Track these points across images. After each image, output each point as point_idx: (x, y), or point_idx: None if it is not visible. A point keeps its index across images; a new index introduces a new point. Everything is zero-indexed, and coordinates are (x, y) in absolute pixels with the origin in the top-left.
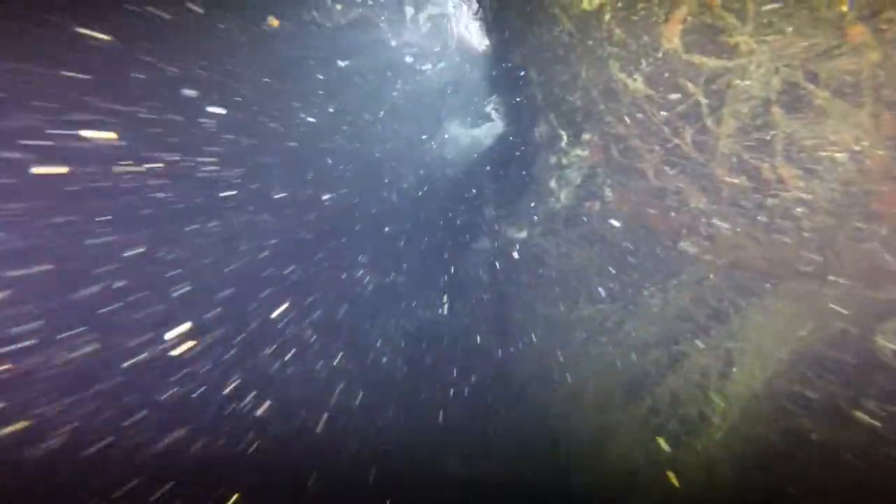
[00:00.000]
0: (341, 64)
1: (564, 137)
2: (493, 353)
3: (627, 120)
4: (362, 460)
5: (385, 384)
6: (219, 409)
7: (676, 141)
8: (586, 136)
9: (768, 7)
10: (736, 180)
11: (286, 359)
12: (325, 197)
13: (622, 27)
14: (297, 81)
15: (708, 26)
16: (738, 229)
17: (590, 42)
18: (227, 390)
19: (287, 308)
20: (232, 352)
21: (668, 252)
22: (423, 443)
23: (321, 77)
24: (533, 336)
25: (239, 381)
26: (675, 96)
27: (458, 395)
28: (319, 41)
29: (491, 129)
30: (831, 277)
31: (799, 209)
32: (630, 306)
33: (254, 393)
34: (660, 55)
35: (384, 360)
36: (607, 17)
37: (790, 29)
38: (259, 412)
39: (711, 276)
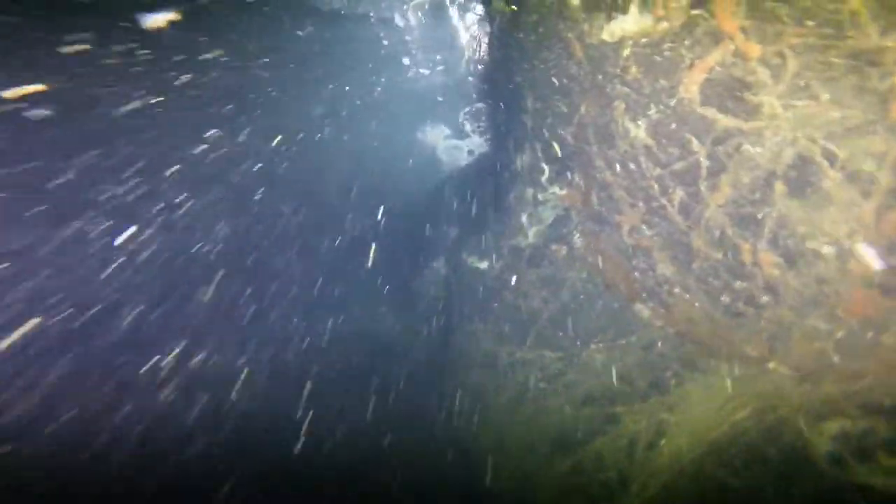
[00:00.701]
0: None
1: (546, 171)
2: (426, 378)
3: (618, 167)
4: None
5: (295, 397)
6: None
7: (663, 201)
8: (569, 176)
9: (813, 70)
10: (712, 256)
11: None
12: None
13: (640, 66)
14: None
15: (736, 80)
16: (698, 304)
17: (599, 76)
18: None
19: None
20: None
21: (623, 311)
22: (326, 472)
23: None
24: (471, 369)
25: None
26: (675, 151)
27: (384, 412)
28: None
29: (472, 146)
30: (772, 365)
31: (764, 298)
32: (575, 358)
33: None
34: (672, 103)
35: (309, 368)
36: (626, 51)
37: (827, 97)
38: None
39: (660, 343)
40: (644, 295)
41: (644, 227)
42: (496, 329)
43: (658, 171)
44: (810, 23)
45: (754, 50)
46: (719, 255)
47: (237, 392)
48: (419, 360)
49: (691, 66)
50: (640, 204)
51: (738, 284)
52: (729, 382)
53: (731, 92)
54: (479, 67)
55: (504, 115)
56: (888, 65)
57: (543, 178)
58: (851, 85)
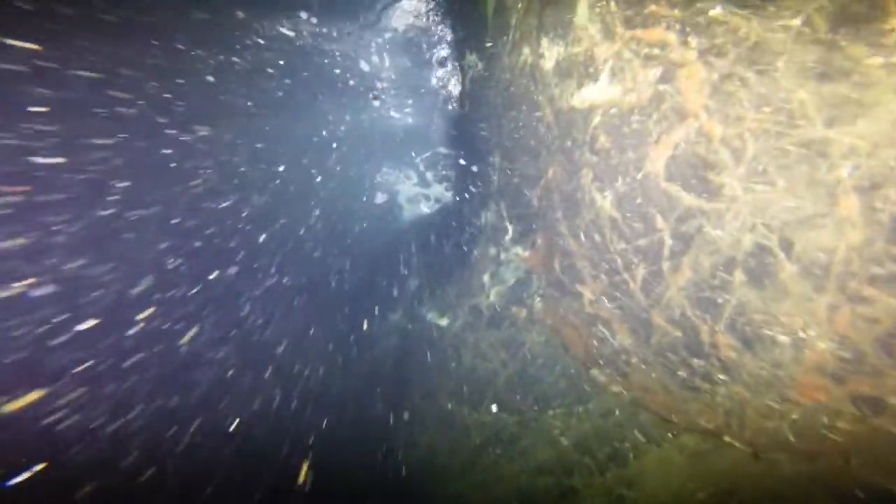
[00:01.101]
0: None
1: (510, 231)
2: (376, 434)
3: (582, 237)
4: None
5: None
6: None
7: (625, 276)
8: (532, 238)
9: (770, 155)
10: (671, 333)
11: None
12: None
13: (609, 136)
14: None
15: (699, 158)
16: (654, 375)
17: (568, 142)
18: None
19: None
20: None
21: (581, 377)
22: None
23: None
24: (425, 429)
25: None
26: (640, 226)
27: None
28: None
29: (437, 195)
30: (727, 439)
31: (721, 376)
32: (532, 423)
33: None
34: (639, 176)
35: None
36: (596, 120)
37: (782, 184)
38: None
39: (617, 411)
40: (601, 361)
41: (605, 299)
42: (454, 389)
43: (622, 245)
44: (767, 109)
45: (717, 130)
46: (678, 333)
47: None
48: (370, 413)
49: (657, 140)
50: (603, 276)
51: (695, 362)
52: (685, 458)
53: (694, 170)
54: (449, 118)
55: (471, 169)
56: (834, 157)
57: (507, 238)
58: (804, 174)
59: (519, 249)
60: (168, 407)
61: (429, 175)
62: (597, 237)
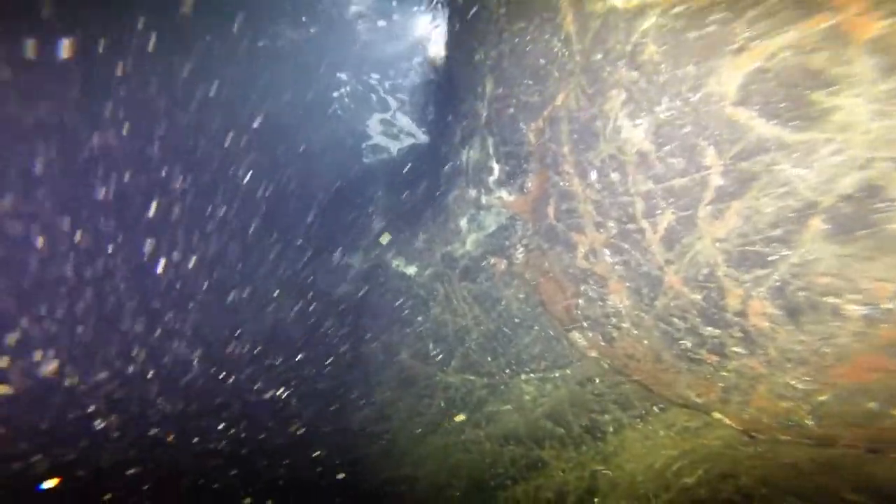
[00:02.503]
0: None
1: (495, 172)
2: (330, 395)
3: (593, 176)
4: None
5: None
6: None
7: (643, 224)
8: (521, 180)
9: None
10: (686, 296)
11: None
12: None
13: (662, 45)
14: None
15: (807, 73)
16: (646, 342)
17: (598, 56)
18: None
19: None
20: None
21: (559, 340)
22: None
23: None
24: (384, 388)
25: None
26: (678, 162)
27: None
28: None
29: (412, 131)
30: (716, 416)
31: (736, 349)
32: (502, 387)
33: None
34: (694, 98)
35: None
36: (647, 24)
37: None
38: None
39: (597, 380)
40: (585, 324)
41: (606, 252)
42: (418, 345)
43: (648, 185)
44: None
45: (866, 29)
46: (695, 297)
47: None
48: (321, 364)
49: (741, 49)
50: (611, 224)
51: (707, 330)
52: (672, 435)
53: (790, 89)
54: (433, 40)
55: (454, 101)
56: None
57: (491, 179)
58: None
59: (504, 193)
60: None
61: (402, 105)
62: (614, 176)
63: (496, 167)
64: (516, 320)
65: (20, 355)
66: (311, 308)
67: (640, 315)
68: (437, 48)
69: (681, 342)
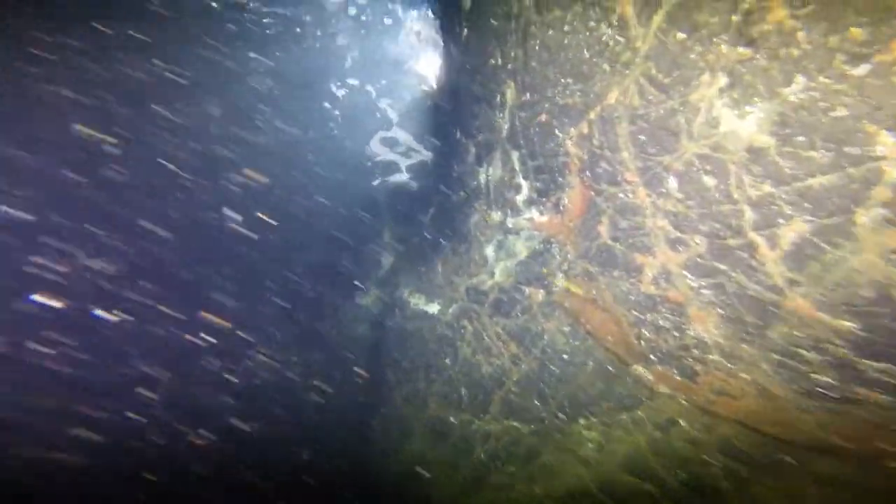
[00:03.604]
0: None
1: (523, 189)
2: (351, 453)
3: (672, 184)
4: None
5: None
6: None
7: (753, 239)
8: (555, 197)
9: None
10: (830, 324)
11: None
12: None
13: (804, 2)
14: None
15: None
16: (750, 378)
17: (678, 35)
18: None
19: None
20: None
21: (621, 376)
22: None
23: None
24: (412, 441)
25: None
26: (822, 157)
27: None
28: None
29: (417, 155)
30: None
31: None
32: (556, 434)
33: None
34: (859, 70)
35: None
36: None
37: None
38: None
39: (683, 421)
40: (653, 357)
41: (687, 274)
42: (448, 391)
43: (765, 189)
44: None
45: None
46: (848, 324)
47: None
48: (337, 417)
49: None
50: (698, 241)
51: (867, 364)
52: (819, 488)
53: None
54: (437, 44)
55: (462, 114)
56: None
57: (518, 199)
58: None
59: (535, 213)
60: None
61: (405, 119)
62: (706, 181)
63: (524, 184)
64: (564, 357)
65: None
66: (320, 357)
67: (740, 346)
68: (433, 57)
69: (812, 377)
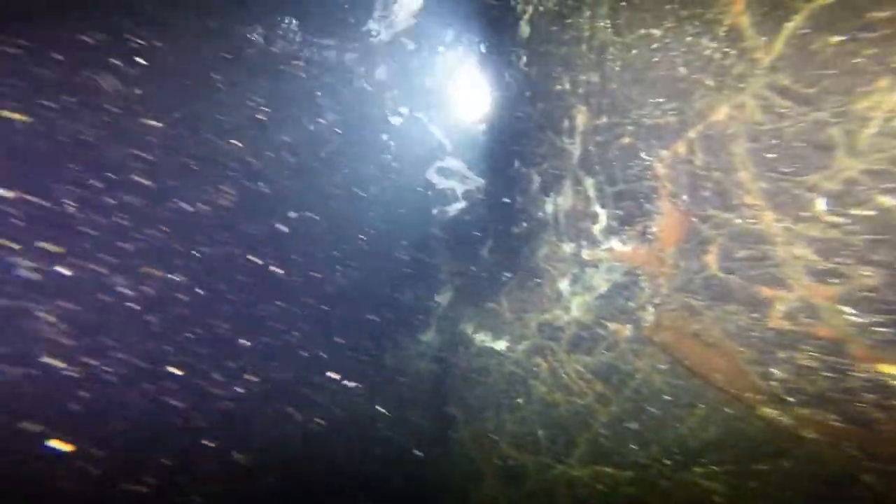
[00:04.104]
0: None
1: (601, 217)
2: (416, 498)
3: (820, 206)
4: None
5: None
6: None
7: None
8: (641, 225)
9: None
10: None
11: None
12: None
13: None
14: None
15: None
16: None
17: (831, 39)
18: None
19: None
20: None
21: (748, 420)
22: None
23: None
24: (483, 485)
25: None
26: None
27: None
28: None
29: (473, 185)
30: None
31: None
32: (663, 482)
33: None
34: None
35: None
36: None
37: None
38: None
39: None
40: (793, 400)
41: (845, 308)
42: (522, 432)
43: None
44: None
45: None
46: None
47: None
48: (398, 460)
49: None
50: (866, 271)
51: None
52: None
53: None
54: (495, 67)
55: (525, 144)
56: None
57: (595, 229)
58: None
59: (616, 243)
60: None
61: (459, 149)
62: (885, 201)
63: (601, 213)
64: (665, 398)
65: None
66: (382, 394)
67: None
68: (487, 85)
69: None
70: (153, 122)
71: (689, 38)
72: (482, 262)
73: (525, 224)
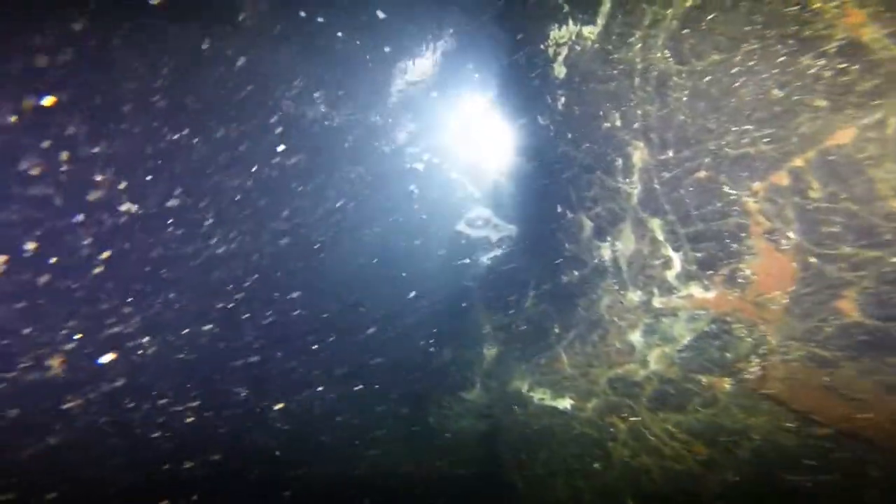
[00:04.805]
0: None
1: (675, 261)
2: None
3: None
4: None
5: None
6: None
7: None
8: (733, 267)
9: None
10: None
11: None
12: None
13: None
14: None
15: None
16: None
17: None
18: None
19: None
20: None
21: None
22: None
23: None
24: None
25: None
26: None
27: None
28: None
29: (512, 230)
30: None
31: None
32: None
33: None
34: None
35: None
36: None
37: None
38: None
39: None
40: None
41: None
42: (609, 500)
43: None
44: None
45: None
46: None
47: None
48: None
49: None
50: None
51: None
52: None
53: None
54: (525, 123)
55: (569, 188)
56: None
57: (669, 274)
58: None
59: (697, 289)
60: None
61: (490, 198)
62: None
63: (675, 256)
64: (806, 461)
65: None
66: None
67: None
68: (519, 131)
69: None
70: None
71: (782, 59)
72: (526, 315)
73: (577, 273)
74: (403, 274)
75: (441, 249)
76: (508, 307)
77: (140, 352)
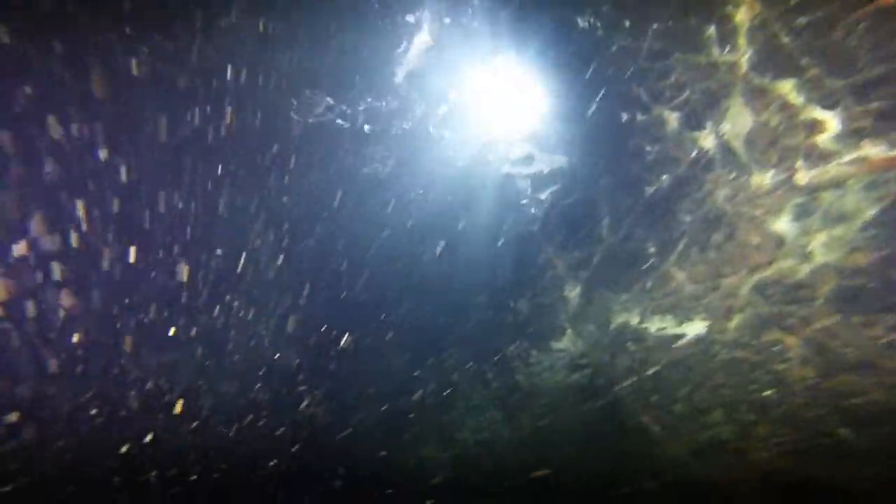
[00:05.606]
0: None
1: (831, 123)
2: None
3: None
4: None
5: None
6: None
7: None
8: None
9: None
10: None
11: None
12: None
13: None
14: None
15: None
16: None
17: None
18: None
19: None
20: None
21: None
22: None
23: None
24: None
25: None
26: None
27: None
28: None
29: (557, 173)
30: None
31: None
32: None
33: None
34: None
35: None
36: None
37: None
38: None
39: None
40: None
41: None
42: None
43: None
44: None
45: None
46: None
47: None
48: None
49: None
50: None
51: None
52: None
53: None
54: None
55: (639, 78)
56: None
57: (823, 139)
58: None
59: (870, 148)
60: None
61: (545, 120)
62: None
63: (830, 116)
64: None
65: None
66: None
67: None
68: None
69: None
70: None
71: None
72: (607, 244)
73: (666, 176)
74: (459, 227)
75: (491, 198)
76: (581, 241)
77: None
